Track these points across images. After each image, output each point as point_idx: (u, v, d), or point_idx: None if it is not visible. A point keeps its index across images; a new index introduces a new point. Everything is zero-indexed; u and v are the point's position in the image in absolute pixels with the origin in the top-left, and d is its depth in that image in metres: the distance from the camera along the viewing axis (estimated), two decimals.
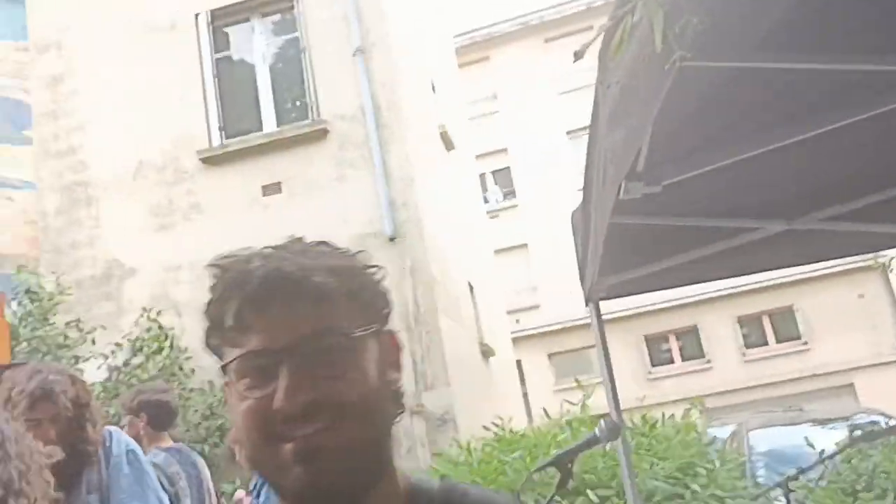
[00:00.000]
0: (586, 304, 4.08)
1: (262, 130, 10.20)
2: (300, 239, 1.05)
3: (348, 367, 0.94)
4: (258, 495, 4.54)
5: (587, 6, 21.76)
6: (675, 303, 19.32)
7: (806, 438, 6.56)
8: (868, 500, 5.37)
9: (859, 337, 19.17)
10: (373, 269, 1.04)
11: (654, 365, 20.82)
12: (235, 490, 5.73)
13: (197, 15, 10.54)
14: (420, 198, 9.74)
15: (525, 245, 21.66)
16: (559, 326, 20.34)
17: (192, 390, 8.69)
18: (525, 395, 17.33)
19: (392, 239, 9.43)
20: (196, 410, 8.45)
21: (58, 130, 10.70)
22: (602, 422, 2.92)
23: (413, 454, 8.86)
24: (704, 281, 4.50)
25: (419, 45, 12.44)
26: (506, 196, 22.77)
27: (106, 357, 9.01)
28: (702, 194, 3.27)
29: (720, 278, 4.54)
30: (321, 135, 9.89)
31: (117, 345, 9.06)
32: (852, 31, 2.58)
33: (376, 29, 10.12)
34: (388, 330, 1.02)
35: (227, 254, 1.02)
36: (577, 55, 1.62)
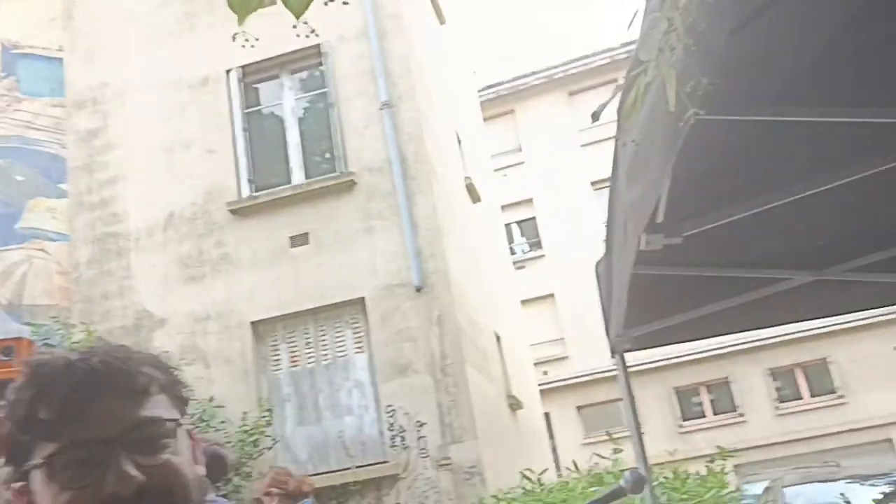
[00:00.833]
0: (612, 356, 4.07)
1: (290, 182, 10.35)
2: (102, 339, 1.10)
3: (171, 455, 0.98)
4: None
5: (611, 59, 21.96)
6: (705, 354, 19.08)
7: (842, 495, 6.42)
8: None
9: None
10: (174, 368, 1.09)
11: (685, 418, 20.48)
12: None
13: (228, 71, 10.79)
14: (447, 248, 9.79)
15: (552, 295, 21.59)
16: (588, 378, 20.14)
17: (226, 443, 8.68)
18: (554, 448, 17.10)
19: (419, 289, 9.46)
20: None
21: (91, 184, 10.93)
22: (628, 473, 2.89)
23: None
24: (732, 332, 4.47)
25: (445, 98, 12.61)
26: (532, 247, 22.79)
27: None
28: (727, 244, 3.27)
29: (748, 329, 4.52)
30: (349, 186, 10.01)
31: None
32: (871, 80, 2.60)
33: (402, 83, 10.29)
34: (188, 426, 1.07)
35: (40, 354, 1.06)
36: (594, 116, 1.66)
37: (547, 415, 17.05)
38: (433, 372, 9.28)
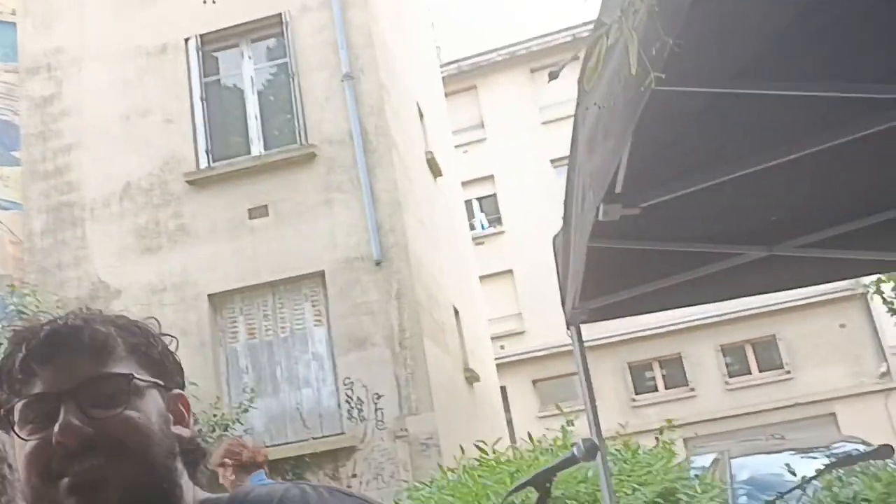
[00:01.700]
0: (567, 328, 4.11)
1: (249, 154, 10.26)
2: (89, 308, 1.13)
3: (126, 409, 1.00)
4: None
5: (573, 36, 22.00)
6: (659, 330, 19.39)
7: (787, 466, 6.59)
8: None
9: (841, 366, 19.29)
10: (165, 337, 1.14)
11: (637, 392, 20.83)
12: None
13: (187, 39, 10.63)
14: (407, 223, 9.80)
15: (510, 271, 21.72)
16: (544, 352, 20.35)
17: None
18: (509, 421, 17.28)
19: (378, 263, 9.47)
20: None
21: (46, 152, 10.72)
22: (580, 441, 2.95)
23: (396, 479, 8.84)
24: (686, 305, 4.54)
25: (407, 72, 12.56)
26: (492, 223, 22.87)
27: None
28: (682, 219, 3.32)
29: (702, 303, 4.59)
30: (309, 159, 9.95)
31: None
32: (829, 57, 2.66)
33: (364, 55, 10.23)
34: (178, 392, 1.11)
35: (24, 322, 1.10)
36: (552, 75, 1.68)
37: (503, 388, 17.22)
38: (391, 345, 9.33)
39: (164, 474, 1.02)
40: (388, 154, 9.89)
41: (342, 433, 9.20)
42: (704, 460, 9.61)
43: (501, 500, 4.00)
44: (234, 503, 1.06)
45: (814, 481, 4.94)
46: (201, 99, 10.50)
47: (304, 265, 9.63)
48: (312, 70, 10.28)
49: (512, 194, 22.48)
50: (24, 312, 8.71)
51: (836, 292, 18.38)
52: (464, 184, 17.99)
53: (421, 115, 12.93)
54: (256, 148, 10.28)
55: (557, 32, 22.65)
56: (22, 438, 0.99)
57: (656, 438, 7.37)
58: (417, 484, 6.94)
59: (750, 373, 20.44)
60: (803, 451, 9.19)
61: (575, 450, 2.89)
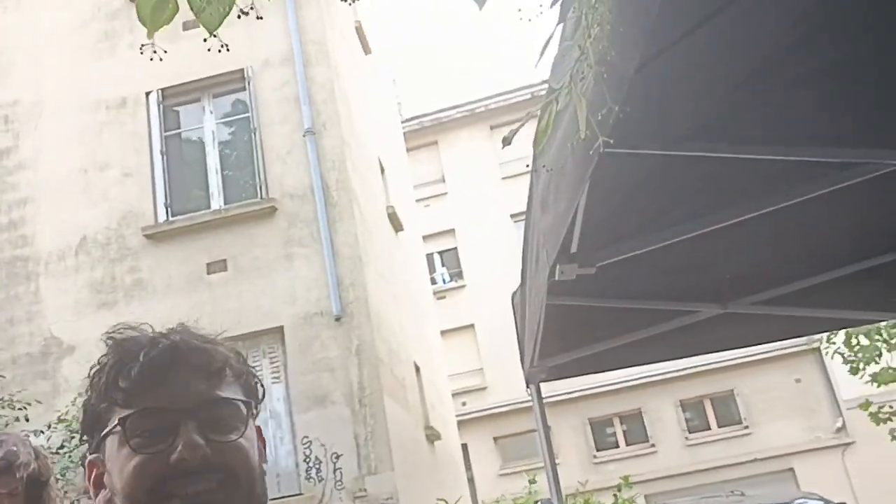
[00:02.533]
0: (527, 386, 4.10)
1: (209, 208, 10.19)
2: (184, 325, 1.09)
3: (238, 437, 0.98)
4: None
5: (531, 94, 22.40)
6: (619, 385, 19.43)
7: None
8: None
9: (798, 421, 19.46)
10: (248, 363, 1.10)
11: (598, 449, 20.75)
12: None
13: (148, 93, 10.61)
14: (367, 278, 9.76)
15: (472, 326, 21.69)
16: (506, 409, 20.23)
17: None
18: (471, 479, 17.09)
19: (338, 318, 9.40)
20: None
21: (0, 205, 10.55)
22: (540, 501, 2.92)
23: None
24: (643, 363, 4.56)
25: (369, 127, 12.65)
26: (453, 277, 22.90)
27: (39, 435, 8.69)
28: (638, 277, 3.35)
29: (659, 360, 4.61)
30: (269, 213, 9.91)
31: (52, 425, 8.69)
32: (777, 121, 2.73)
33: (327, 111, 10.29)
34: (258, 426, 1.07)
35: (119, 325, 1.06)
36: (505, 141, 1.70)
37: (465, 445, 17.04)
38: (351, 402, 9.21)
39: None
40: (349, 208, 9.90)
41: (300, 493, 9.00)
42: None
43: None
44: None
45: None
46: (161, 153, 10.45)
47: (262, 321, 9.52)
48: (274, 124, 10.31)
49: (473, 248, 22.59)
50: None
51: (791, 347, 18.62)
52: (425, 238, 18.04)
53: (382, 170, 13.00)
54: (216, 202, 10.23)
55: (516, 91, 23.09)
56: (133, 451, 0.95)
57: (615, 496, 7.35)
58: None
59: (709, 428, 20.51)
60: None
61: None
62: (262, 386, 1.09)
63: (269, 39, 10.18)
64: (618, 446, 20.85)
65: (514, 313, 3.92)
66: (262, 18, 1.41)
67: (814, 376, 19.66)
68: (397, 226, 12.89)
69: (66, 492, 5.40)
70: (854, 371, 12.58)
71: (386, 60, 16.61)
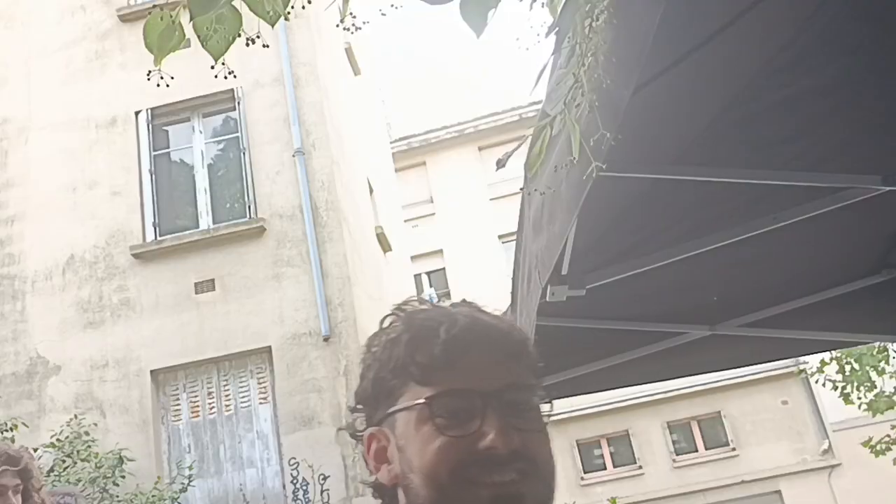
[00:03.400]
0: None
1: (197, 227, 10.20)
2: (466, 301, 1.05)
3: (540, 427, 0.96)
4: None
5: (519, 116, 22.55)
6: (607, 406, 19.42)
7: None
8: None
9: (784, 443, 19.49)
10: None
11: (586, 471, 20.70)
12: None
13: (137, 112, 10.64)
14: (356, 298, 9.77)
15: None
16: None
17: (116, 497, 8.31)
18: None
19: (327, 339, 9.39)
20: None
21: None
22: None
23: None
24: (631, 385, 4.58)
25: (358, 148, 12.70)
26: (441, 297, 22.90)
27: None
28: (627, 298, 3.38)
29: (647, 382, 4.63)
30: (258, 233, 9.92)
31: (41, 447, 8.56)
32: (766, 145, 2.79)
33: (316, 131, 10.33)
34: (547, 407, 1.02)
35: (406, 300, 1.03)
36: (500, 164, 1.73)
37: None
38: (338, 423, 9.17)
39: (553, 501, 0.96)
40: (338, 229, 9.92)
41: None
42: None
43: None
44: None
45: None
46: (150, 172, 10.46)
47: (250, 341, 9.51)
48: (264, 144, 10.35)
49: (461, 269, 22.61)
50: None
51: (778, 369, 18.66)
52: (413, 258, 18.06)
53: (371, 190, 13.04)
54: (205, 221, 10.23)
55: (505, 112, 23.23)
56: (437, 431, 0.91)
57: None
58: None
59: (696, 450, 20.50)
60: None
61: None
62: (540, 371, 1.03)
63: (259, 60, 10.22)
64: (605, 468, 20.80)
65: None
66: (267, 46, 1.44)
67: (800, 399, 19.71)
68: (385, 246, 12.91)
69: None
70: (847, 400, 12.57)
71: (375, 81, 16.70)
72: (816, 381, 13.26)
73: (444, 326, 0.95)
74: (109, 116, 10.67)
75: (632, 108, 1.55)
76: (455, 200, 23.11)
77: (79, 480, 8.08)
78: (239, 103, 10.52)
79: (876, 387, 12.15)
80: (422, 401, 0.93)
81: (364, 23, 1.49)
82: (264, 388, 9.51)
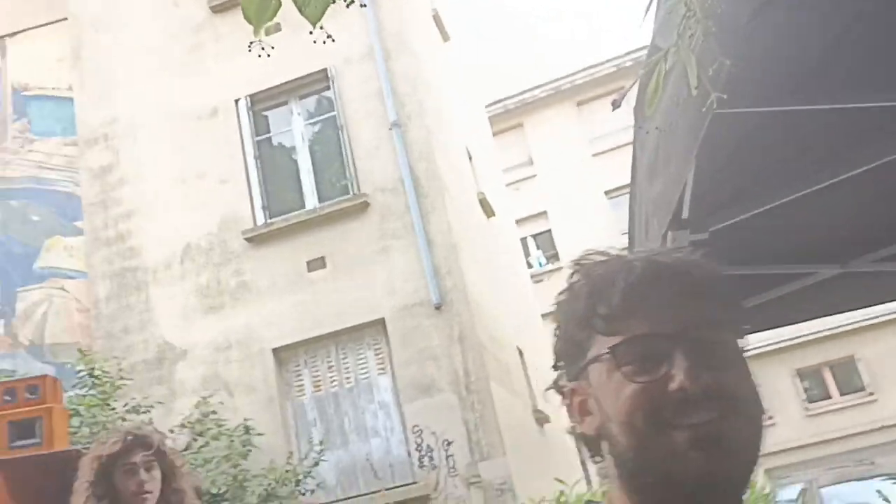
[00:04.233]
0: None
1: (304, 208, 10.37)
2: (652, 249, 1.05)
3: (736, 362, 0.94)
4: None
5: (616, 67, 21.94)
6: None
7: (879, 492, 6.32)
8: None
9: None
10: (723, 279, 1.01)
11: None
12: None
13: (237, 100, 10.86)
14: (464, 265, 9.75)
15: None
16: None
17: (248, 471, 8.59)
18: (583, 461, 16.93)
19: (438, 307, 9.42)
20: (254, 492, 8.37)
21: (107, 219, 10.99)
22: None
23: None
24: (759, 330, 4.36)
25: (453, 115, 12.63)
26: (549, 259, 22.70)
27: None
28: (748, 241, 3.22)
29: (776, 327, 4.42)
30: (362, 208, 10.01)
31: (176, 428, 8.91)
32: (890, 68, 2.56)
33: (410, 102, 10.31)
34: (746, 334, 0.99)
35: (586, 252, 1.03)
36: (615, 104, 1.63)
37: None
38: (457, 390, 9.23)
39: (761, 438, 0.94)
40: (440, 198, 9.91)
41: (414, 482, 9.09)
42: (791, 492, 9.28)
43: None
44: None
45: None
46: (254, 157, 10.68)
47: (364, 314, 9.64)
48: (360, 121, 10.40)
49: (567, 229, 22.30)
50: (94, 377, 8.83)
51: None
52: (518, 222, 17.92)
53: (470, 157, 12.96)
54: (311, 201, 10.39)
55: (600, 64, 22.62)
56: (626, 378, 0.92)
57: None
58: None
59: (830, 397, 19.73)
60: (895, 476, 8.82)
61: None
62: (734, 292, 1.00)
63: (348, 36, 10.25)
64: None
65: None
66: (364, 6, 1.39)
67: None
68: (489, 212, 12.84)
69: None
70: None
71: (465, 46, 16.54)
72: None
73: (622, 275, 0.95)
74: (210, 107, 10.93)
75: (748, 33, 1.42)
76: (555, 160, 22.76)
77: (213, 458, 8.40)
78: (333, 82, 10.59)
79: None
80: (606, 351, 0.94)
81: None
82: (381, 359, 9.64)
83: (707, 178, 2.13)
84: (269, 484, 8.47)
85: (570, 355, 1.01)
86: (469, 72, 16.19)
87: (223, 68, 10.88)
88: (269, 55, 1.44)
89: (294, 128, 10.86)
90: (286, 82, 10.61)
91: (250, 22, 1.35)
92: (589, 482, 12.70)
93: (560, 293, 1.02)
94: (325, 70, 10.55)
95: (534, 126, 23.39)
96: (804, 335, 17.92)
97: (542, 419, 12.14)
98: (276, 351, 9.82)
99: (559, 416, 14.27)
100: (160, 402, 9.00)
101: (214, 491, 8.02)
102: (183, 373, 10.00)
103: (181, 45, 11.41)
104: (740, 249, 3.27)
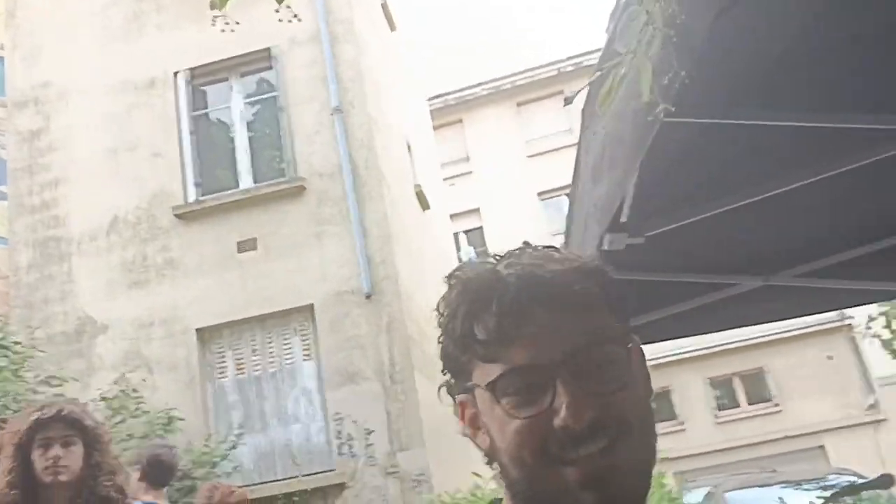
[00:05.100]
0: None
1: (238, 187, 10.24)
2: (528, 244, 0.98)
3: (624, 381, 0.88)
4: None
5: (558, 71, 22.23)
6: (648, 363, 19.37)
7: (780, 499, 6.59)
8: None
9: (829, 398, 19.34)
10: (607, 275, 0.95)
11: None
12: None
13: (176, 73, 10.65)
14: (397, 256, 9.78)
15: None
16: None
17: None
18: None
19: (368, 296, 9.43)
20: None
21: (33, 186, 10.66)
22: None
23: None
24: (683, 336, 4.54)
25: (395, 106, 12.62)
26: (479, 256, 22.87)
27: None
28: (680, 249, 3.33)
29: (699, 334, 4.59)
30: (298, 192, 9.94)
31: (91, 402, 8.76)
32: (827, 89, 2.69)
33: (354, 89, 10.27)
34: (637, 341, 0.94)
35: (464, 263, 0.98)
36: (567, 101, 1.69)
37: None
38: (382, 379, 9.26)
39: (654, 454, 0.90)
40: (377, 187, 9.91)
41: (332, 470, 9.09)
42: (697, 495, 9.60)
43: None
44: None
45: None
46: (190, 133, 10.50)
47: (293, 299, 9.58)
48: (301, 104, 10.32)
49: (498, 227, 22.52)
50: (5, 347, 8.57)
51: (823, 324, 18.46)
52: (451, 216, 18.02)
53: (409, 149, 12.98)
54: (246, 181, 10.28)
55: (541, 67, 22.89)
56: (508, 415, 0.87)
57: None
58: None
59: (739, 406, 20.43)
60: (795, 483, 9.21)
61: None
62: (626, 300, 0.94)
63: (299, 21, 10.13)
64: None
65: None
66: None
67: (846, 354, 19.51)
68: (424, 204, 12.89)
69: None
70: (894, 354, 12.53)
71: (411, 38, 16.54)
72: (864, 336, 13.15)
73: (497, 295, 0.88)
74: (148, 78, 10.70)
75: (707, 44, 1.49)
76: (492, 158, 22.96)
77: (130, 436, 8.25)
78: (276, 62, 10.48)
79: None
80: (485, 384, 0.89)
81: None
82: (308, 345, 9.60)
83: (649, 184, 2.21)
84: (185, 465, 8.36)
85: (454, 372, 0.97)
86: (414, 63, 16.20)
87: (164, 39, 10.66)
88: (232, 30, 1.45)
89: (233, 105, 10.71)
90: (228, 58, 10.45)
91: None
92: None
93: (438, 307, 0.96)
94: (268, 49, 10.44)
95: (473, 123, 23.55)
96: (718, 345, 18.55)
97: None
98: (199, 331, 9.69)
99: None
100: (75, 379, 8.79)
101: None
102: (102, 347, 9.79)
103: (122, 11, 11.13)
104: (669, 257, 3.38)
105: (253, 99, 10.80)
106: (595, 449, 0.84)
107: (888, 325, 12.25)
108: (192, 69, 10.61)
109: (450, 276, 0.96)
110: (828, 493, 6.96)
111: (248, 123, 10.65)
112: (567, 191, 3.08)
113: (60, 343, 9.79)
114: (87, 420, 2.76)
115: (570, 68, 21.79)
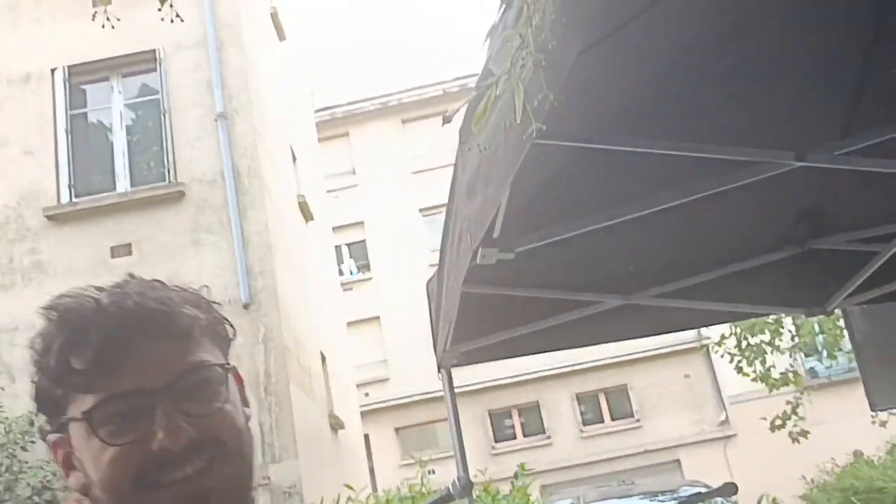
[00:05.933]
0: (439, 371, 4.21)
1: (115, 190, 9.97)
2: (133, 276, 0.99)
3: (222, 403, 0.90)
4: None
5: (443, 91, 22.62)
6: (518, 378, 19.88)
7: None
8: None
9: (685, 415, 20.43)
10: (216, 304, 1.01)
11: (497, 440, 21.18)
12: None
13: (53, 70, 10.28)
14: (277, 266, 9.73)
15: (377, 318, 21.77)
16: (407, 400, 20.43)
17: (25, 463, 8.14)
18: (371, 469, 17.16)
19: (246, 306, 9.35)
20: (28, 484, 7.92)
21: None
22: (455, 479, 3.04)
23: None
24: (550, 350, 4.74)
25: (281, 115, 12.57)
26: (360, 269, 22.90)
27: None
28: (548, 266, 3.52)
29: (564, 348, 4.80)
30: (177, 197, 9.76)
31: None
32: (689, 120, 2.93)
33: (239, 96, 10.19)
34: (233, 365, 0.99)
35: (63, 294, 0.93)
36: (446, 119, 1.81)
37: (367, 436, 17.11)
38: (256, 391, 9.17)
39: (252, 472, 0.92)
40: (260, 196, 9.84)
41: None
42: None
43: None
44: None
45: None
46: (66, 132, 10.15)
47: None
48: (185, 108, 10.15)
49: (381, 241, 22.65)
50: None
51: (682, 344, 19.45)
52: (334, 229, 18.00)
53: (294, 159, 12.94)
54: (122, 184, 10.01)
55: (428, 86, 23.26)
56: (105, 443, 0.85)
57: (511, 482, 7.60)
58: None
59: (603, 421, 21.23)
60: (652, 494, 9.69)
61: (451, 487, 2.98)
62: (232, 326, 1.01)
63: (182, 22, 10.00)
64: (515, 437, 21.32)
65: (429, 300, 4.03)
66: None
67: (702, 372, 20.62)
68: (307, 215, 12.86)
69: None
70: (739, 370, 13.35)
71: (300, 48, 16.50)
72: (716, 352, 13.96)
73: (96, 326, 0.87)
74: (23, 72, 10.28)
75: (574, 72, 1.64)
76: (377, 172, 23.10)
77: None
78: (160, 65, 10.28)
79: (766, 361, 12.90)
80: (79, 416, 0.87)
81: None
82: None
83: (521, 201, 2.36)
84: (46, 476, 8.06)
85: (47, 410, 0.93)
86: (302, 74, 16.16)
87: (42, 34, 10.29)
88: (112, 26, 1.50)
89: (113, 106, 10.43)
90: (110, 58, 10.16)
91: None
92: (375, 489, 12.92)
93: (33, 342, 0.93)
94: (153, 51, 10.23)
95: (359, 137, 23.64)
96: (585, 362, 19.31)
97: (336, 425, 12.25)
98: None
99: (353, 423, 14.46)
100: None
101: None
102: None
103: None
104: (539, 274, 3.57)
105: (135, 101, 10.54)
106: (191, 470, 0.85)
107: (738, 345, 13.05)
108: (70, 66, 10.27)
109: (48, 308, 0.91)
110: (681, 501, 7.40)
111: (128, 126, 10.39)
112: None
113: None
114: None
115: (455, 89, 22.21)
